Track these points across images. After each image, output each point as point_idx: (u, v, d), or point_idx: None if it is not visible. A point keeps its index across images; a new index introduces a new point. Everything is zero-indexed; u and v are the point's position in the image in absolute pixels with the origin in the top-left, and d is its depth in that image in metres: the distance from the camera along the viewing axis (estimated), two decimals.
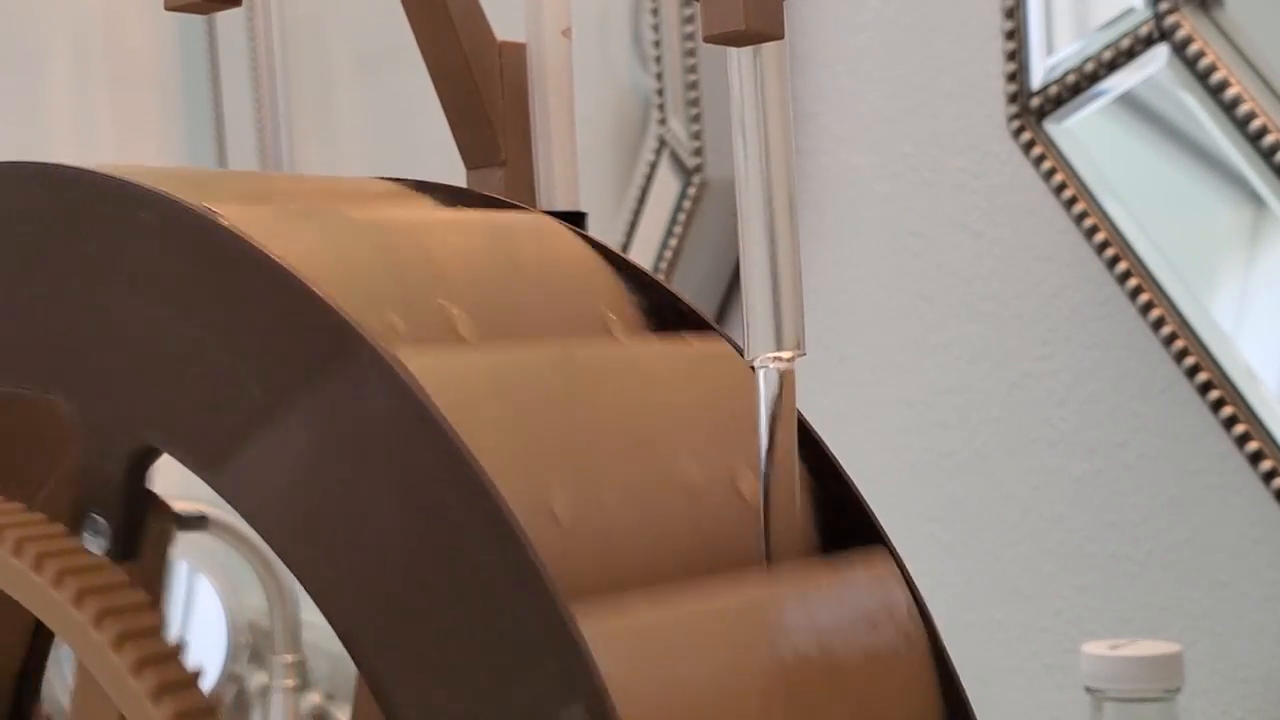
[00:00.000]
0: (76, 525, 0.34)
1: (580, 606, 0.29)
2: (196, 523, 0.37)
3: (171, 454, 0.33)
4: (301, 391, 0.31)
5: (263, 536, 0.32)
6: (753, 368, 0.35)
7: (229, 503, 0.32)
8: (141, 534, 0.35)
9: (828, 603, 0.34)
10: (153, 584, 0.35)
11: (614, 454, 0.34)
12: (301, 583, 0.31)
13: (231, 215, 0.33)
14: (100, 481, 0.34)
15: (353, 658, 0.30)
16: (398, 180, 0.41)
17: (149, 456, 0.34)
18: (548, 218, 0.41)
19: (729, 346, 0.39)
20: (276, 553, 0.31)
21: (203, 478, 0.32)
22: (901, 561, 0.37)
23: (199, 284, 0.33)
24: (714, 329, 0.39)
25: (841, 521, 0.37)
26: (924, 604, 0.36)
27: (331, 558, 0.31)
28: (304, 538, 0.31)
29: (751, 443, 0.35)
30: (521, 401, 0.33)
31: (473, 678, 0.29)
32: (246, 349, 0.32)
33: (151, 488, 0.35)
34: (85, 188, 0.34)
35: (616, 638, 0.29)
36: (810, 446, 0.37)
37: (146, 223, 0.33)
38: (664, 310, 0.39)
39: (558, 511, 0.32)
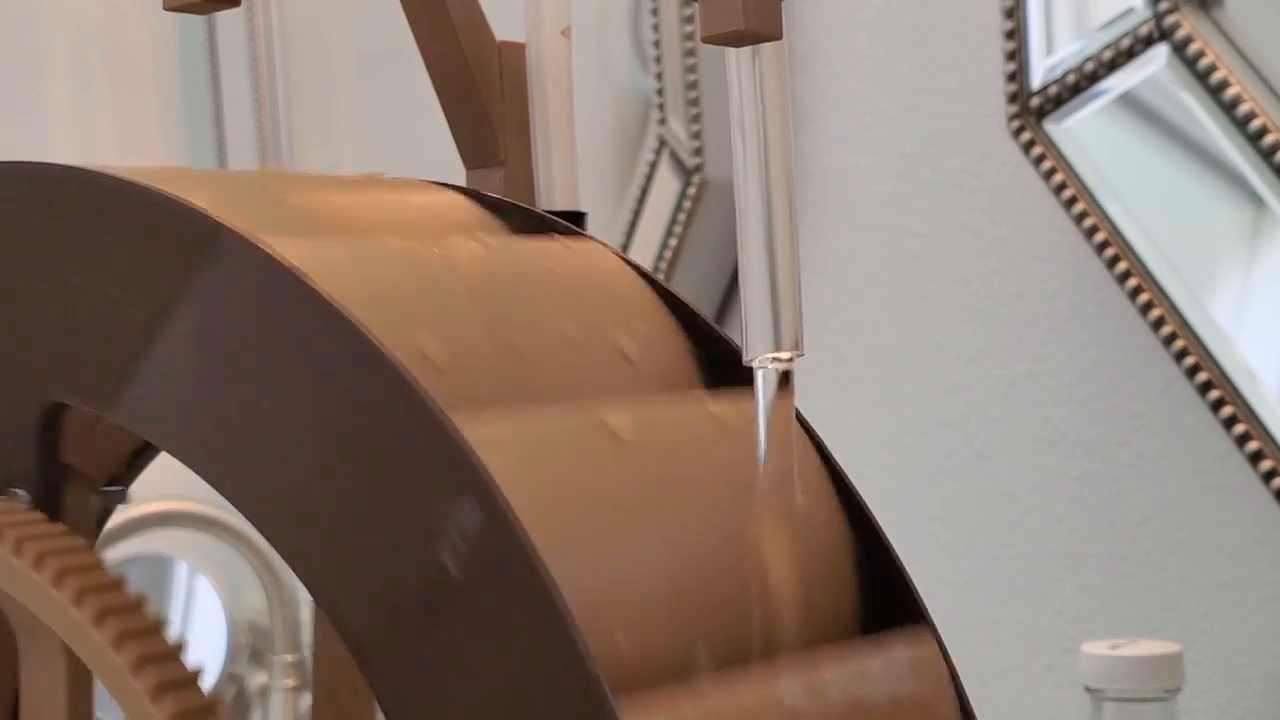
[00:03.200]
0: None
1: (461, 415, 0.29)
2: (116, 497, 0.38)
3: (73, 402, 0.34)
4: (177, 296, 0.31)
5: (171, 453, 0.32)
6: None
7: (136, 431, 0.33)
8: (61, 502, 0.35)
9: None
10: None
11: (483, 309, 0.34)
12: (206, 478, 0.31)
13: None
14: (14, 453, 0.34)
15: (257, 527, 0.31)
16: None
17: (57, 416, 0.34)
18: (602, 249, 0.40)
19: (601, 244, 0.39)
20: (182, 461, 0.32)
21: (109, 415, 0.33)
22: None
23: (67, 229, 0.33)
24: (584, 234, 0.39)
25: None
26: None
27: (229, 438, 0.31)
28: (203, 436, 0.31)
29: (624, 309, 0.36)
30: (388, 273, 0.33)
31: (367, 494, 0.29)
32: (119, 275, 0.32)
33: (140, 486, 0.35)
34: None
35: (497, 438, 0.30)
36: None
37: (19, 181, 0.34)
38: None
39: (430, 355, 0.32)
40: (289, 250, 0.31)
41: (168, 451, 0.32)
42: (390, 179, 0.41)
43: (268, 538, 0.31)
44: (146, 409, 0.32)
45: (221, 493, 0.31)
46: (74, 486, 0.35)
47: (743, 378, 0.35)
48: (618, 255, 0.40)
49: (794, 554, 0.34)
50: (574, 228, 0.40)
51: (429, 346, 0.32)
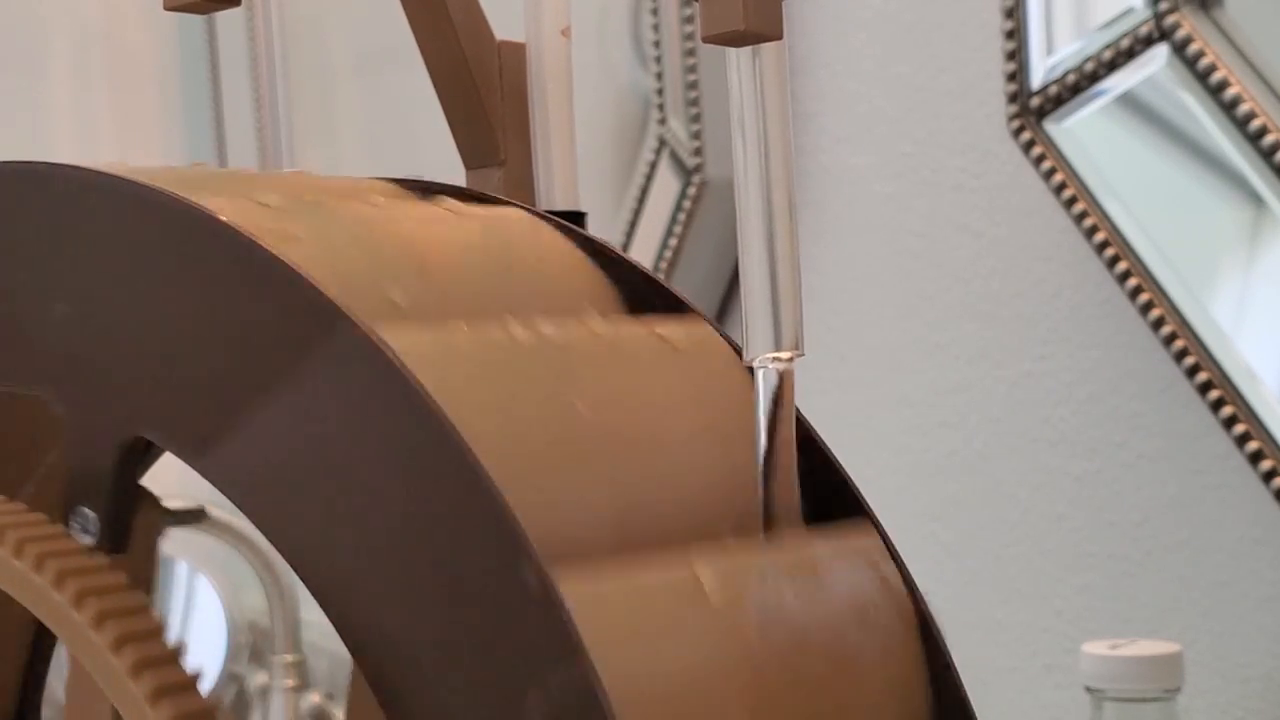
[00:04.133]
0: (64, 519, 0.34)
1: (560, 570, 0.29)
2: (192, 517, 0.38)
3: (158, 442, 0.33)
4: (286, 374, 0.31)
5: (253, 523, 0.32)
6: (751, 368, 0.35)
7: (219, 489, 0.32)
8: (130, 527, 0.35)
9: (808, 568, 0.34)
10: (141, 577, 0.35)
11: (592, 427, 0.34)
12: (290, 563, 0.31)
13: (217, 207, 0.33)
14: (88, 474, 0.34)
15: (335, 625, 0.30)
16: (391, 180, 0.41)
17: (138, 448, 0.34)
18: (526, 212, 0.41)
19: (705, 323, 0.39)
20: (265, 535, 0.31)
21: (191, 465, 0.32)
22: (885, 533, 0.37)
23: (183, 273, 0.33)
24: (697, 312, 0.39)
25: (826, 495, 0.37)
26: (909, 573, 0.36)
27: (317, 537, 0.31)
28: (291, 522, 0.31)
29: (732, 411, 0.35)
30: (503, 381, 0.33)
31: (457, 639, 0.29)
32: (231, 333, 0.32)
33: (146, 483, 0.35)
34: (68, 183, 0.34)
35: (595, 599, 0.29)
36: (810, 445, 0.37)
37: (131, 216, 0.33)
38: (649, 298, 0.40)
39: (536, 480, 0.32)
40: (406, 340, 0.31)
41: (251, 520, 0.32)
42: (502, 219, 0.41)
43: (340, 630, 0.30)
44: (235, 472, 0.32)
45: (302, 578, 0.31)
46: (145, 510, 0.35)
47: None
48: (719, 333, 0.40)
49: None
50: (693, 307, 0.40)
51: (537, 471, 0.32)
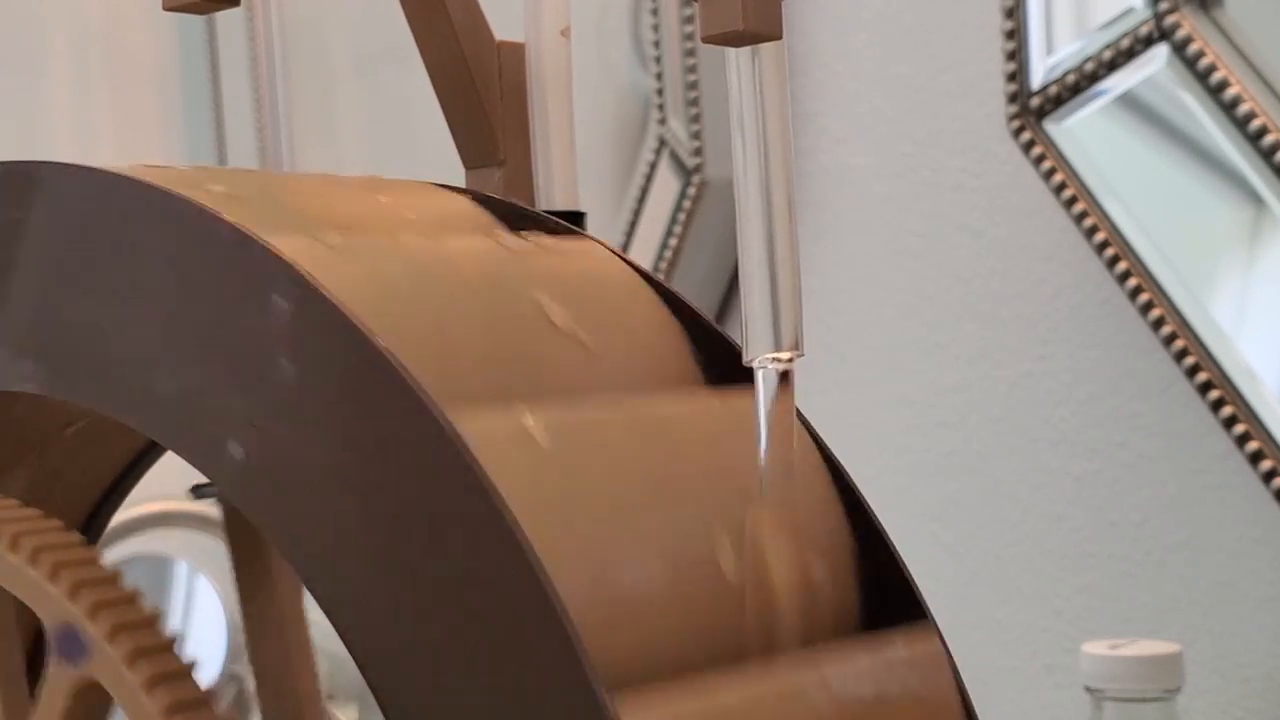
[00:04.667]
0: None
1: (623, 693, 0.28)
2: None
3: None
4: (356, 453, 0.31)
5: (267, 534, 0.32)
6: (751, 368, 0.35)
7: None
8: None
9: (864, 683, 0.34)
10: None
11: (652, 525, 0.33)
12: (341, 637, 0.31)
13: (284, 248, 0.32)
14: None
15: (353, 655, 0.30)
16: (482, 202, 0.41)
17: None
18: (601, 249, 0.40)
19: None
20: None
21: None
22: (944, 638, 0.36)
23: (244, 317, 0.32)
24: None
25: (885, 599, 0.36)
26: (965, 687, 0.36)
27: (371, 616, 0.30)
28: (347, 594, 0.31)
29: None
30: (575, 466, 0.32)
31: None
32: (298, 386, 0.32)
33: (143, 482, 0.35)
34: (140, 198, 0.34)
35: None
36: (861, 522, 0.37)
37: (203, 248, 0.33)
38: (722, 361, 0.39)
39: (591, 586, 0.31)
40: (481, 427, 0.30)
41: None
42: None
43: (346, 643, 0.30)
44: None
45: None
46: None
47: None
48: (615, 253, 0.39)
49: (794, 553, 0.34)
50: (572, 227, 0.39)
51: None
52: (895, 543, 0.37)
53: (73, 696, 0.32)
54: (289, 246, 0.32)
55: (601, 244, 0.40)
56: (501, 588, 0.29)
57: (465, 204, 0.40)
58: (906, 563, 0.37)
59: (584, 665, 0.28)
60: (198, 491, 0.38)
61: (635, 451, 0.34)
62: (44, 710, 0.33)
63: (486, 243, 0.37)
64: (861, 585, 0.36)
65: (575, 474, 0.32)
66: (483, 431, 0.30)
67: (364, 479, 0.30)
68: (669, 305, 0.39)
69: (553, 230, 0.39)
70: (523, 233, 0.39)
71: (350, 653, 0.30)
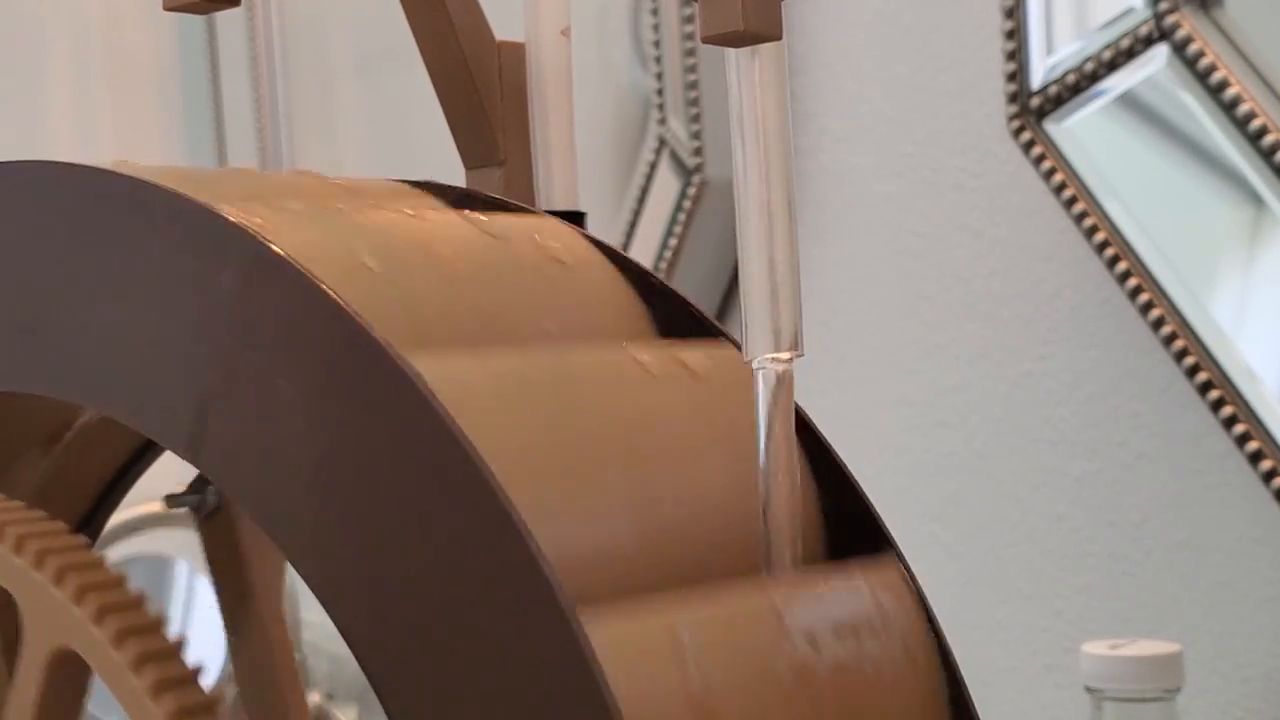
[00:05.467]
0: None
1: (585, 610, 0.29)
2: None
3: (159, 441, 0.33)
4: (289, 372, 0.31)
5: (256, 519, 0.32)
6: (751, 368, 0.35)
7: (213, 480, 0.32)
8: None
9: (828, 608, 0.34)
10: None
11: (613, 463, 0.34)
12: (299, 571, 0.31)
13: (235, 214, 0.32)
14: None
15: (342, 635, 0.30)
16: (405, 182, 0.41)
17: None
18: (554, 220, 0.41)
19: (738, 352, 0.38)
20: (266, 530, 0.31)
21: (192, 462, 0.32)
22: (910, 570, 0.36)
23: (201, 276, 0.32)
24: (725, 335, 0.39)
25: (850, 531, 0.37)
26: (933, 614, 0.36)
27: (327, 541, 0.31)
28: (315, 545, 0.31)
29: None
30: (522, 408, 0.33)
31: (469, 655, 0.29)
32: (270, 353, 0.32)
33: (142, 481, 0.35)
34: (122, 195, 0.34)
35: (621, 645, 0.29)
36: (821, 454, 0.37)
37: (178, 235, 0.33)
38: (675, 317, 0.39)
39: (559, 515, 0.32)
40: (427, 365, 0.30)
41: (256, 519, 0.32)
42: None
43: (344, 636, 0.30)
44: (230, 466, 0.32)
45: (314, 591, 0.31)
46: None
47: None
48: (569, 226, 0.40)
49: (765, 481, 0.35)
50: (722, 331, 0.40)
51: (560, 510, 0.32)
52: (896, 544, 0.37)
53: (49, 668, 0.32)
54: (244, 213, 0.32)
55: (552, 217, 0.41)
56: (466, 517, 0.29)
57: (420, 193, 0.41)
58: (908, 565, 0.37)
59: (548, 579, 0.28)
60: (171, 500, 0.38)
61: (610, 398, 0.34)
62: (22, 682, 0.33)
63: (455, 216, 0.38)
64: (825, 519, 0.37)
65: (543, 420, 0.33)
66: (447, 372, 0.31)
67: (341, 444, 0.30)
68: (617, 264, 0.40)
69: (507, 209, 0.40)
70: (468, 211, 0.39)
71: (345, 640, 0.30)
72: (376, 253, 0.35)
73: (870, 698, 0.34)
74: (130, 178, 0.33)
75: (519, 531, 0.29)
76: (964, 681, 0.36)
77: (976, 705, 0.36)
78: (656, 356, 0.37)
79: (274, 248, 0.31)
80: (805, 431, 0.37)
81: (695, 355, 0.37)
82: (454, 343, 0.34)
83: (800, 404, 0.36)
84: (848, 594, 0.35)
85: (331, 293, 0.31)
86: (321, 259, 0.32)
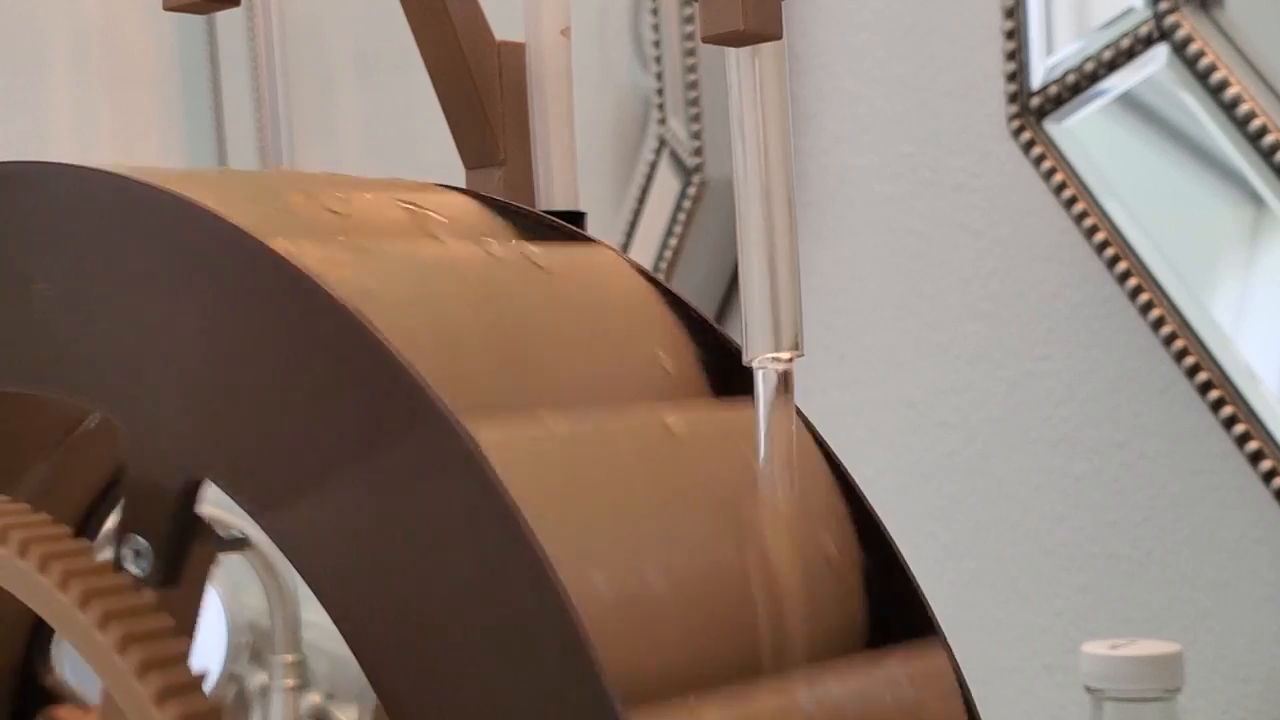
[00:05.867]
0: (115, 544, 0.34)
1: (635, 711, 0.28)
2: (239, 544, 0.37)
3: (225, 490, 0.33)
4: (369, 455, 0.30)
5: (312, 589, 0.31)
6: (751, 368, 0.35)
7: (280, 549, 0.32)
8: (186, 559, 0.34)
9: (852, 702, 0.33)
10: (191, 609, 0.34)
11: (662, 536, 0.33)
12: (347, 641, 0.31)
13: (301, 253, 0.32)
14: (146, 501, 0.33)
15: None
16: (474, 197, 0.40)
17: (201, 485, 0.34)
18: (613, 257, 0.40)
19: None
20: (328, 610, 0.31)
21: (255, 520, 0.32)
22: (954, 656, 0.36)
23: (273, 330, 0.32)
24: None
25: (894, 613, 0.36)
26: (972, 701, 0.35)
27: (380, 624, 0.30)
28: (355, 600, 0.30)
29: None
30: (586, 479, 0.32)
31: None
32: (316, 399, 0.31)
33: (199, 509, 0.35)
34: (153, 203, 0.33)
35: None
36: (875, 539, 0.36)
37: (216, 254, 0.32)
38: (724, 365, 0.39)
39: (606, 594, 0.31)
40: (493, 437, 0.30)
41: (310, 587, 0.31)
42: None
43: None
44: (301, 539, 0.31)
45: (358, 659, 0.31)
46: (201, 540, 0.34)
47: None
48: (625, 259, 0.39)
49: (796, 563, 0.34)
50: (579, 231, 0.39)
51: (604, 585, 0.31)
52: (895, 543, 0.37)
53: None
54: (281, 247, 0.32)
55: (609, 248, 0.40)
56: (514, 593, 0.28)
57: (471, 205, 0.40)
58: (907, 563, 0.37)
59: (600, 678, 0.28)
60: (226, 546, 0.37)
61: (644, 460, 0.34)
62: None
63: (481, 252, 0.37)
64: (870, 599, 0.36)
65: (586, 481, 0.32)
66: (495, 439, 0.30)
67: (371, 477, 0.30)
68: (675, 311, 0.39)
69: (563, 237, 0.39)
70: (526, 242, 0.39)
71: (359, 663, 0.30)
72: (419, 291, 0.34)
73: None
74: (135, 180, 0.33)
75: (579, 631, 0.28)
76: None
77: (977, 705, 0.36)
78: (717, 416, 0.36)
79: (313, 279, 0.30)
80: (847, 487, 0.37)
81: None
82: (514, 406, 0.33)
83: (800, 404, 0.35)
84: (887, 680, 0.34)
85: (385, 342, 0.30)
86: (338, 283, 0.31)
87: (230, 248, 0.32)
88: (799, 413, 0.36)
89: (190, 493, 0.34)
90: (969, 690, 0.35)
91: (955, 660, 0.36)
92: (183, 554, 0.34)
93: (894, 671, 0.34)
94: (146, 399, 0.34)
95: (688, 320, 0.39)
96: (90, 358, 0.35)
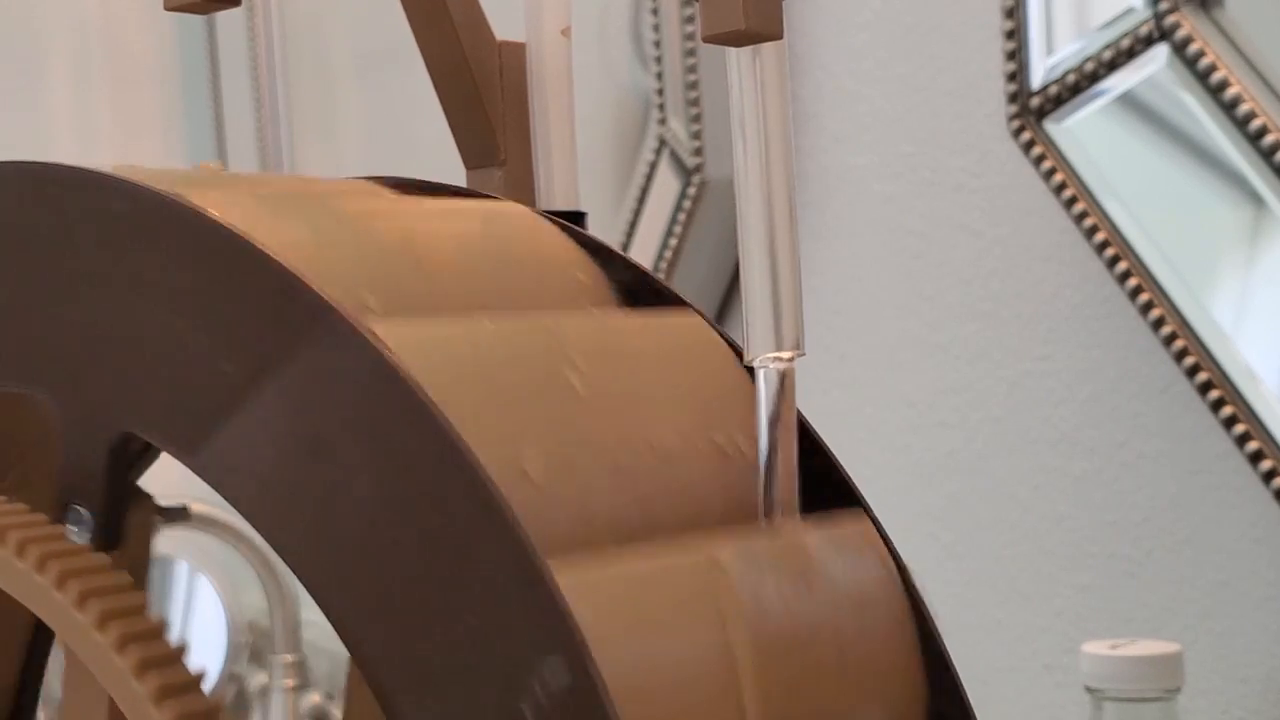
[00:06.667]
0: (59, 517, 0.35)
1: (556, 560, 0.29)
2: (178, 514, 0.37)
3: (150, 439, 0.33)
4: (274, 366, 0.31)
5: (245, 518, 0.32)
6: (752, 368, 0.35)
7: (211, 485, 0.32)
8: (124, 524, 0.35)
9: (805, 555, 0.34)
10: (135, 573, 0.35)
11: (588, 418, 0.34)
12: (283, 558, 0.31)
13: (206, 203, 0.33)
14: (82, 472, 0.34)
15: (332, 623, 0.30)
16: (374, 179, 0.42)
17: (130, 445, 0.34)
18: (525, 209, 0.41)
19: (700, 318, 0.39)
20: (258, 530, 0.31)
21: (184, 462, 0.32)
22: (880, 523, 0.37)
23: (170, 270, 0.33)
24: (685, 303, 0.39)
25: (822, 490, 0.37)
26: (901, 559, 0.36)
27: (311, 531, 0.31)
28: (284, 515, 0.31)
29: (726, 405, 0.35)
30: (497, 370, 0.33)
31: (453, 632, 0.29)
32: (219, 329, 0.32)
33: (141, 483, 0.35)
34: (57, 181, 0.34)
35: (593, 588, 0.29)
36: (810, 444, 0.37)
37: (118, 212, 0.33)
38: (639, 289, 0.40)
39: (530, 472, 0.32)
40: (395, 333, 0.31)
41: (244, 515, 0.32)
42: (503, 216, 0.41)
43: (338, 628, 0.30)
44: (227, 468, 0.32)
45: (297, 575, 0.31)
46: (138, 507, 0.35)
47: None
48: (715, 329, 0.39)
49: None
50: (682, 300, 0.40)
51: (530, 462, 0.32)
52: (895, 543, 0.37)
53: None
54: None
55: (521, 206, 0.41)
56: (449, 503, 0.29)
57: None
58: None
59: (516, 529, 0.28)
60: (167, 516, 0.38)
61: (571, 357, 0.34)
62: None
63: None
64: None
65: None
66: (400, 334, 0.31)
67: (281, 392, 0.31)
68: (573, 238, 0.40)
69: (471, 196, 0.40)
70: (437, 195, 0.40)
71: (340, 638, 0.30)
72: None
73: (846, 635, 0.34)
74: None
75: (491, 493, 0.29)
76: (932, 620, 0.36)
77: (976, 706, 0.36)
78: (629, 324, 0.37)
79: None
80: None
81: (666, 323, 0.37)
82: (421, 311, 0.34)
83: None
84: (827, 544, 0.35)
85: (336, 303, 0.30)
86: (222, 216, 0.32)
87: (132, 200, 0.33)
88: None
89: (120, 455, 0.34)
90: (894, 546, 0.37)
91: (881, 526, 0.37)
92: (119, 518, 0.35)
93: (821, 533, 0.35)
94: (66, 370, 0.34)
95: (600, 253, 0.40)
96: (13, 341, 0.35)
